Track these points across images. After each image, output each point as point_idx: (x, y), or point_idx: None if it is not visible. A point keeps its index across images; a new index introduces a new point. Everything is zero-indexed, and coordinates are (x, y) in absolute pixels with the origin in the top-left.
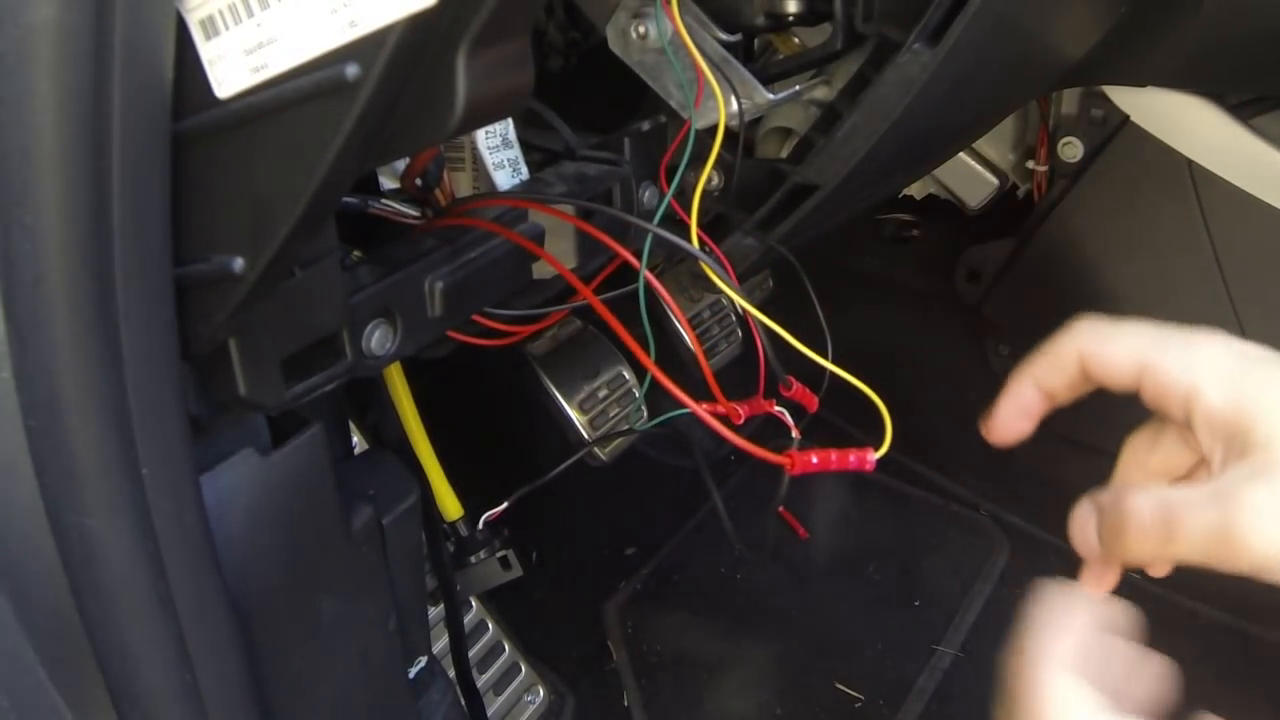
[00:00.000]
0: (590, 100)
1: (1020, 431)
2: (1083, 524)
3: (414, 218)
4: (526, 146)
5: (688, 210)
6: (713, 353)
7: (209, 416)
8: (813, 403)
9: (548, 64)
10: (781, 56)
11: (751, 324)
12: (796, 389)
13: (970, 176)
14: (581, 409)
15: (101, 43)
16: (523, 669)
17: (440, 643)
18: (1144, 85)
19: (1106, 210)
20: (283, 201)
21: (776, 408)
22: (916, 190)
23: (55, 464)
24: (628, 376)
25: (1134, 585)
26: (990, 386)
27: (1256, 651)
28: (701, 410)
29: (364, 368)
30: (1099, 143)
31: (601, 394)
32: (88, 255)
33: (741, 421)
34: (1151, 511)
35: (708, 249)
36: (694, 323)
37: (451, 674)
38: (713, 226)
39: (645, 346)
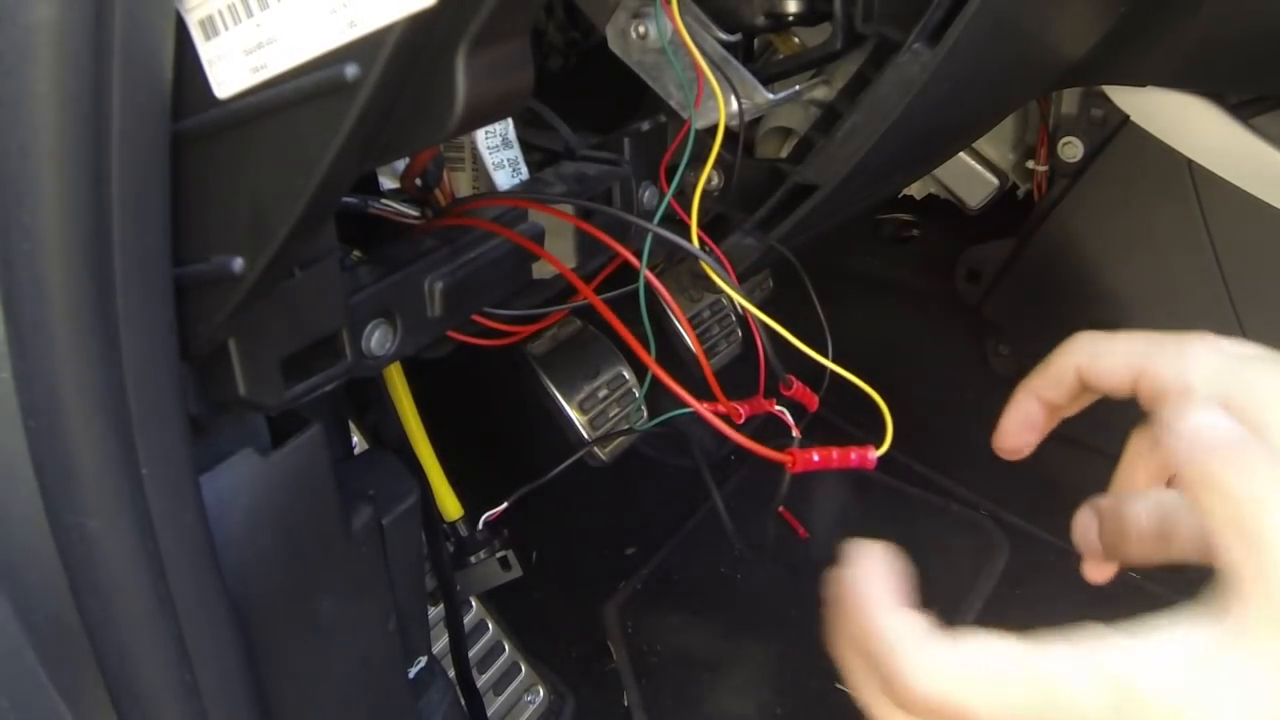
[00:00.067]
0: (590, 100)
1: (1027, 444)
2: (1084, 528)
3: (414, 218)
4: (526, 146)
5: (688, 210)
6: (713, 352)
7: (209, 416)
8: (813, 402)
9: (548, 64)
10: (781, 56)
11: (752, 324)
12: (797, 388)
13: (970, 176)
14: (581, 409)
15: (101, 43)
16: (523, 669)
17: (440, 643)
18: (1144, 85)
19: (1106, 210)
20: (282, 201)
21: (777, 407)
22: (916, 190)
23: (55, 464)
24: (628, 376)
25: (1134, 585)
26: (990, 386)
27: None
28: (703, 409)
29: (364, 368)
30: (1099, 143)
31: (601, 394)
32: (87, 255)
33: (742, 421)
34: (1149, 517)
35: (708, 249)
36: (694, 322)
37: (451, 674)
38: (713, 226)
39: (645, 346)
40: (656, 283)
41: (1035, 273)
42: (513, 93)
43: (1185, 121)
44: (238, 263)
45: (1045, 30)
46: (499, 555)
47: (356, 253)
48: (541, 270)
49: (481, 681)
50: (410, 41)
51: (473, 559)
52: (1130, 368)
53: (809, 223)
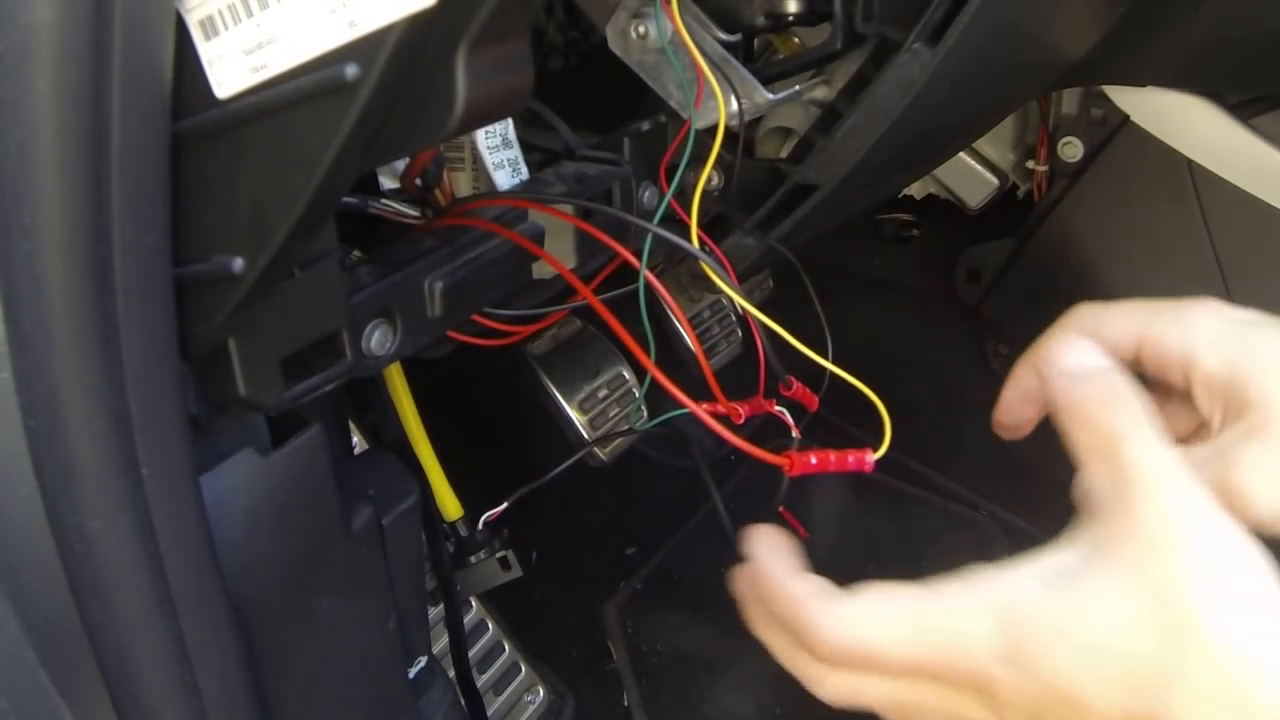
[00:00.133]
0: (590, 100)
1: (1025, 420)
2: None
3: (414, 218)
4: (526, 146)
5: (687, 210)
6: (713, 352)
7: (209, 416)
8: (813, 402)
9: (548, 64)
10: (781, 56)
11: (751, 324)
12: (796, 389)
13: (970, 176)
14: (581, 409)
15: (101, 43)
16: (523, 669)
17: (440, 643)
18: (1144, 85)
19: (1106, 210)
20: (282, 202)
21: (776, 407)
22: (916, 190)
23: (55, 464)
24: (628, 376)
25: None
26: (990, 386)
27: None
28: (701, 411)
29: (364, 368)
30: (1099, 143)
31: (601, 394)
32: (87, 255)
33: (742, 421)
34: None
35: (708, 249)
36: (694, 322)
37: (451, 674)
38: (713, 226)
39: (645, 346)
40: (656, 283)
41: (1035, 273)
42: (513, 93)
43: (1185, 121)
44: (238, 263)
45: (1045, 30)
46: (499, 555)
47: (356, 253)
48: (541, 270)
49: (481, 681)
50: (410, 41)
51: (473, 559)
52: (1133, 335)
53: (809, 223)
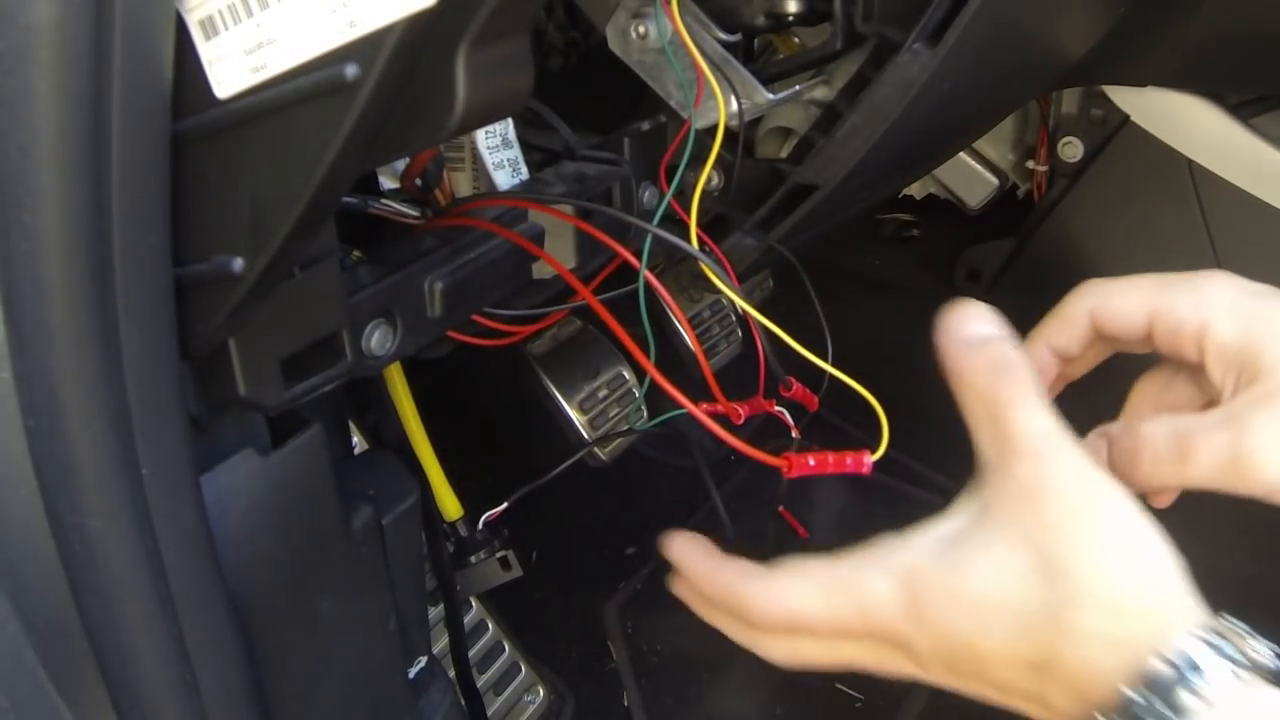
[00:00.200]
0: (590, 100)
1: None
2: (1092, 455)
3: (414, 218)
4: (526, 146)
5: (687, 210)
6: (713, 352)
7: (209, 416)
8: (813, 403)
9: (548, 64)
10: (781, 56)
11: (751, 324)
12: (796, 389)
13: (970, 176)
14: (581, 409)
15: (101, 43)
16: (523, 669)
17: (440, 643)
18: (1144, 85)
19: (1106, 210)
20: (282, 202)
21: (776, 408)
22: (916, 190)
23: (55, 464)
24: (628, 376)
25: None
26: None
27: None
28: (699, 412)
29: (364, 368)
30: (1099, 143)
31: (601, 394)
32: (87, 255)
33: (741, 421)
34: (1165, 435)
35: (707, 249)
36: (694, 322)
37: (451, 674)
38: (713, 226)
39: (645, 347)
40: (656, 283)
41: (1035, 273)
42: (513, 93)
43: (1185, 121)
44: (237, 263)
45: (1045, 30)
46: (499, 555)
47: (356, 253)
48: (541, 270)
49: (481, 681)
50: (410, 41)
51: (473, 559)
52: (1144, 307)
53: (809, 223)
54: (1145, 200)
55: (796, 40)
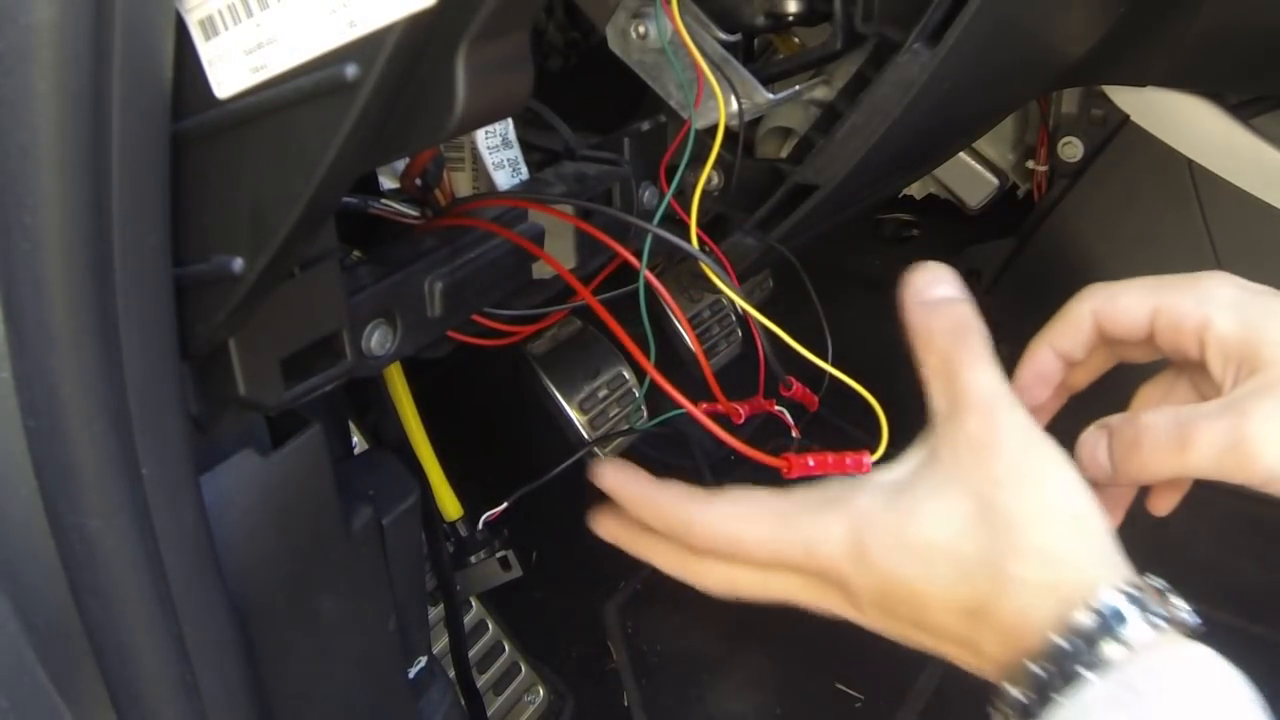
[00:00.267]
0: (590, 100)
1: (1039, 399)
2: (1092, 446)
3: (414, 218)
4: (526, 146)
5: (687, 210)
6: (713, 352)
7: (209, 416)
8: (813, 402)
9: (548, 64)
10: (781, 56)
11: (751, 324)
12: (796, 389)
13: (970, 176)
14: (581, 409)
15: (101, 43)
16: (523, 669)
17: (440, 643)
18: (1144, 85)
19: (1106, 210)
20: (282, 202)
21: (776, 407)
22: (916, 190)
23: (55, 464)
24: (628, 376)
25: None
26: None
27: (1261, 654)
28: (699, 412)
29: (364, 368)
30: (1099, 143)
31: (601, 394)
32: (87, 255)
33: (741, 421)
34: (1165, 423)
35: (707, 249)
36: (694, 322)
37: (451, 674)
38: (713, 226)
39: (644, 346)
40: (656, 283)
41: (1035, 273)
42: (513, 93)
43: (1185, 121)
44: (237, 263)
45: (1045, 30)
46: (499, 555)
47: (356, 253)
48: (541, 270)
49: (481, 681)
50: (410, 41)
51: (473, 559)
52: (1146, 306)
53: (809, 223)
54: (1145, 200)
55: (796, 40)
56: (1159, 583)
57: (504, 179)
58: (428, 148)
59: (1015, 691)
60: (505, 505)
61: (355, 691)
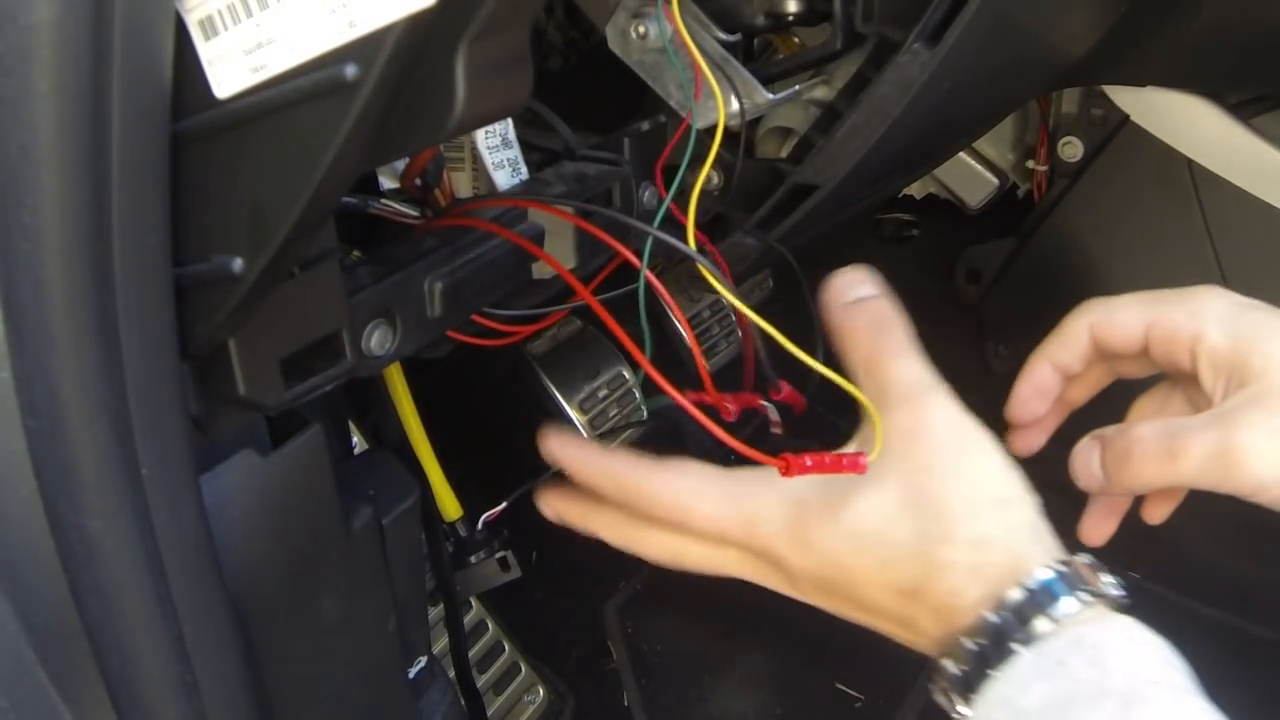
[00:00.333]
0: (590, 100)
1: (1037, 412)
2: (1085, 457)
3: (414, 218)
4: (526, 146)
5: (686, 210)
6: (713, 352)
7: (209, 416)
8: (800, 404)
9: (548, 64)
10: (781, 56)
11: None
12: (786, 391)
13: (970, 176)
14: (581, 409)
15: (101, 43)
16: (523, 669)
17: (440, 643)
18: (1144, 85)
19: (1106, 210)
20: (282, 202)
21: (762, 401)
22: (916, 190)
23: (54, 464)
24: (628, 376)
25: (1135, 586)
26: (990, 386)
27: (1257, 651)
28: (687, 401)
29: (364, 368)
30: (1099, 143)
31: (601, 394)
32: (87, 255)
33: (732, 418)
34: (1156, 434)
35: (705, 250)
36: (694, 322)
37: (451, 674)
38: (712, 226)
39: (642, 344)
40: (656, 282)
41: (1035, 273)
42: (513, 93)
43: (1185, 121)
44: (237, 263)
45: (1045, 30)
46: (498, 556)
47: (356, 253)
48: (541, 270)
49: (481, 681)
50: (410, 41)
51: (472, 559)
52: (1141, 320)
53: (809, 223)
54: (1145, 200)
55: (796, 40)
56: (1087, 559)
57: (504, 179)
58: (427, 148)
59: (953, 667)
60: (504, 505)
61: (355, 691)
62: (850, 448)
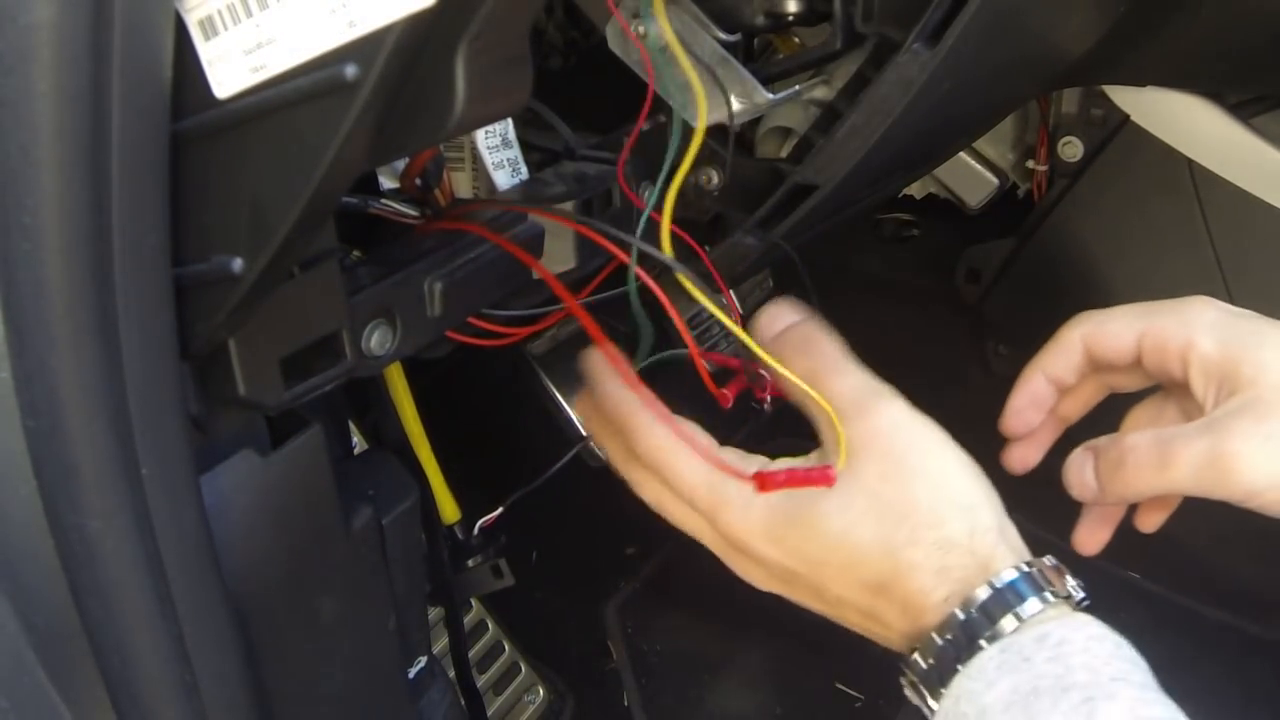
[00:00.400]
0: (590, 100)
1: (1031, 422)
2: (1079, 467)
3: (414, 218)
4: (526, 146)
5: (687, 211)
6: (712, 351)
7: (209, 416)
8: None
9: (548, 64)
10: (781, 56)
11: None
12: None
13: (970, 176)
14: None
15: (101, 43)
16: (523, 669)
17: (440, 643)
18: (1144, 85)
19: (1106, 210)
20: (281, 202)
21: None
22: (916, 190)
23: (54, 464)
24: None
25: (1135, 585)
26: (990, 386)
27: (1256, 651)
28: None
29: (364, 368)
30: (1099, 143)
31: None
32: (87, 255)
33: (729, 404)
34: (1148, 443)
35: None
36: (694, 322)
37: (451, 674)
38: (712, 226)
39: (636, 340)
40: (651, 283)
41: (1035, 273)
42: (513, 93)
43: (1185, 121)
44: (237, 263)
45: (1045, 30)
46: (492, 563)
47: (356, 253)
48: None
49: (481, 681)
50: (410, 41)
51: (470, 563)
52: (1133, 330)
53: (809, 223)
54: (1145, 200)
55: (796, 40)
56: (1052, 560)
57: (504, 179)
58: (427, 148)
59: (922, 661)
60: (500, 510)
61: (355, 691)
62: (813, 458)
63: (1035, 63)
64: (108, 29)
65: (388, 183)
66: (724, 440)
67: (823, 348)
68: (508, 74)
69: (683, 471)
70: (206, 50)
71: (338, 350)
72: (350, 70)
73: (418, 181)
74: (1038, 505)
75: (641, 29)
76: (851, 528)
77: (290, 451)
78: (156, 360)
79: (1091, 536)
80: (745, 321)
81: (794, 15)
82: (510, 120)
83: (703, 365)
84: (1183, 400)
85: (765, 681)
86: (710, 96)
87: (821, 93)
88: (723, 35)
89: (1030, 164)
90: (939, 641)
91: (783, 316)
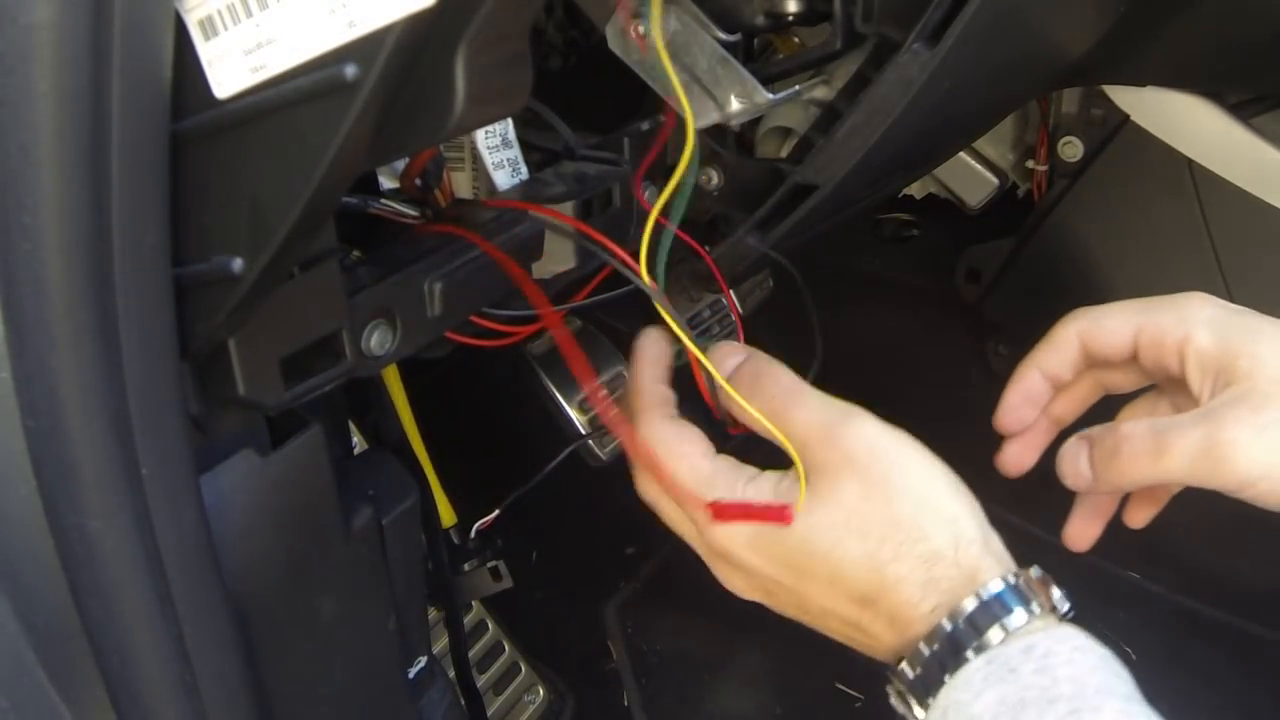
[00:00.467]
0: (590, 100)
1: (1027, 419)
2: (1073, 455)
3: (414, 218)
4: (526, 146)
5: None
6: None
7: (209, 416)
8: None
9: (547, 64)
10: (781, 56)
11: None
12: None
13: (970, 176)
14: (581, 409)
15: (101, 43)
16: (523, 669)
17: (440, 643)
18: (1144, 85)
19: (1106, 210)
20: (281, 202)
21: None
22: (916, 190)
23: (54, 464)
24: (628, 375)
25: (1135, 585)
26: (990, 386)
27: (1257, 651)
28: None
29: (364, 368)
30: (1099, 143)
31: (601, 394)
32: (86, 255)
33: (720, 416)
34: (1143, 431)
35: (697, 254)
36: (694, 322)
37: (451, 674)
38: (712, 226)
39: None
40: (649, 281)
41: (1035, 272)
42: (512, 93)
43: (1185, 121)
44: (237, 263)
45: (1045, 29)
46: (490, 566)
47: (356, 253)
48: (541, 270)
49: (481, 681)
50: (410, 41)
51: (466, 566)
52: (1130, 326)
53: (809, 223)
54: (1145, 200)
55: (796, 40)
56: (1037, 571)
57: (504, 179)
58: (427, 148)
59: (909, 671)
60: (496, 513)
61: (355, 691)
62: (785, 484)
63: (1035, 63)
64: (107, 29)
65: (388, 183)
66: (725, 441)
67: (777, 380)
68: (508, 74)
69: (673, 470)
70: (206, 50)
71: (338, 350)
72: (350, 70)
73: (418, 181)
74: (1034, 500)
75: (641, 29)
76: (836, 545)
77: (290, 451)
78: (156, 360)
79: (1082, 532)
80: (744, 322)
81: (794, 15)
82: (510, 120)
83: (700, 373)
84: (1176, 398)
85: (765, 681)
86: (709, 97)
87: (821, 93)
88: (723, 35)
89: (1030, 164)
90: (926, 651)
91: (728, 358)
